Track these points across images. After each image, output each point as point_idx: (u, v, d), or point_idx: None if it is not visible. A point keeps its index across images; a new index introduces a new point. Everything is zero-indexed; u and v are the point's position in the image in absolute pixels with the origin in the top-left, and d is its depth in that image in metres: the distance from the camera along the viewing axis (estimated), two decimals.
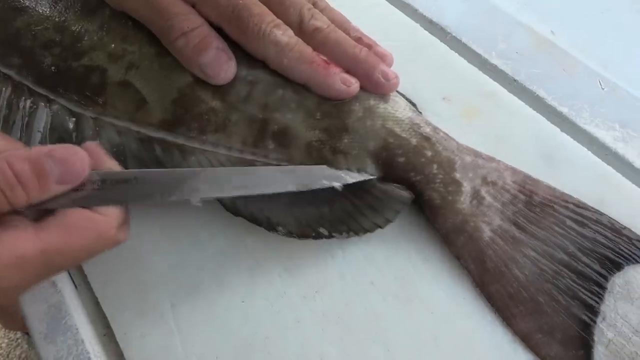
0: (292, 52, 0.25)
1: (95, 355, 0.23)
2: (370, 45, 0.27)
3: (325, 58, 0.25)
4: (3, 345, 0.96)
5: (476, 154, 0.26)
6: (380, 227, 0.24)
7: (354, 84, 0.25)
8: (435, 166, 0.25)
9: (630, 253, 0.24)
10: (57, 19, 0.27)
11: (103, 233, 0.20)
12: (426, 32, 0.35)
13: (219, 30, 0.26)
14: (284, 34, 0.25)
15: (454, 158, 0.25)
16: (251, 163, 0.25)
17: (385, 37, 0.34)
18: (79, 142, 0.26)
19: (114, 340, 0.24)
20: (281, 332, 0.24)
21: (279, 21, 0.25)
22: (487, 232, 0.24)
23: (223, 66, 0.25)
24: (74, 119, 0.26)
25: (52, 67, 0.26)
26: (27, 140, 0.26)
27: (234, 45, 0.26)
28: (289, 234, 0.24)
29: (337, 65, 0.25)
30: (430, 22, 0.35)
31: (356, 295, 0.25)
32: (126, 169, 0.25)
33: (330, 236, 0.24)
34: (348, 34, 0.27)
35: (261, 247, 0.25)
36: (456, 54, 0.33)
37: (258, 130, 0.25)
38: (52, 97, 0.27)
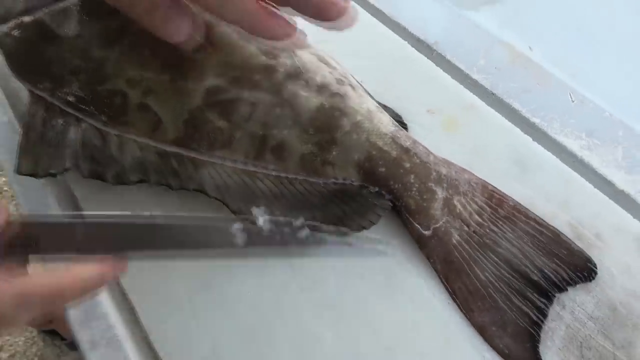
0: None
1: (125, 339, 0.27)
2: None
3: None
4: (20, 342, 1.00)
5: (450, 166, 0.29)
6: (366, 228, 0.28)
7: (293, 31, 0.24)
8: (412, 176, 0.28)
9: (575, 277, 0.27)
10: (82, 48, 0.31)
11: None
12: (413, 49, 0.38)
13: None
14: None
15: (430, 169, 0.29)
16: (253, 174, 0.29)
17: (373, 52, 0.38)
18: (106, 156, 0.30)
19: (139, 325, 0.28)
20: (283, 319, 0.28)
21: None
22: (455, 237, 0.28)
23: (174, 23, 0.25)
24: (100, 136, 0.30)
25: (80, 91, 0.30)
26: (61, 155, 0.30)
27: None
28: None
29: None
30: (418, 40, 0.39)
31: (348, 287, 0.28)
32: (149, 178, 0.29)
33: None
34: None
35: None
36: (440, 69, 0.37)
37: (259, 145, 0.29)
38: (80, 117, 0.31)
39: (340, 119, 0.29)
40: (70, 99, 0.31)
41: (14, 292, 0.20)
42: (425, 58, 0.38)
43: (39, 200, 0.32)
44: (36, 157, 0.30)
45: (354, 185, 0.29)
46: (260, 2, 0.24)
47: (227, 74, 0.29)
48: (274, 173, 0.29)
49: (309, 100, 0.29)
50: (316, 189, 0.29)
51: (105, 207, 0.32)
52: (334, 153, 0.29)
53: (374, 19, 0.41)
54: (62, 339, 0.99)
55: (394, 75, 0.36)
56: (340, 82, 0.31)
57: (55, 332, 0.99)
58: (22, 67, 0.32)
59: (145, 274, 0.29)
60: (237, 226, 0.23)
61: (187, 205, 0.31)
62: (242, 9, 0.24)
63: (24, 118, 0.31)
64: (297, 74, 0.30)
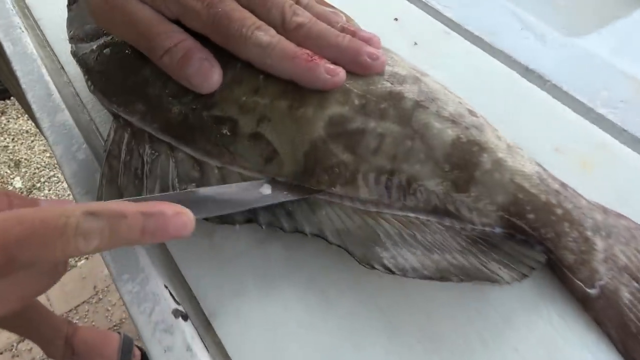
0: (275, 51, 0.25)
1: None
2: (354, 32, 0.27)
3: (308, 52, 0.26)
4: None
5: (605, 211, 0.25)
6: (517, 280, 0.23)
7: (340, 73, 0.25)
8: (566, 224, 0.24)
9: None
10: None
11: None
12: (524, 80, 0.35)
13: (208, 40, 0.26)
14: (266, 34, 0.25)
15: (585, 216, 0.25)
16: (377, 215, 0.25)
17: (477, 81, 0.34)
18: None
19: None
20: None
21: (260, 23, 0.26)
22: (625, 295, 0.23)
23: (207, 74, 0.26)
24: (198, 167, 0.27)
25: (180, 116, 0.27)
26: (150, 188, 0.27)
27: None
28: (425, 277, 0.23)
29: (321, 57, 0.26)
30: (527, 69, 0.35)
31: None
32: (257, 219, 0.26)
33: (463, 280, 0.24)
34: (332, 25, 0.27)
35: (395, 309, 0.25)
36: (559, 102, 0.33)
37: (385, 182, 0.25)
38: (175, 144, 0.27)
39: (480, 155, 0.25)
40: (166, 124, 0.27)
41: None
42: (539, 89, 0.34)
43: (121, 251, 0.28)
44: (121, 190, 0.27)
45: (497, 233, 0.25)
46: (303, 52, 0.25)
47: (351, 101, 0.26)
48: (401, 214, 0.25)
49: (443, 132, 0.25)
50: (451, 235, 0.25)
51: (203, 262, 0.27)
52: (472, 194, 0.25)
53: (474, 46, 0.37)
54: None
55: (505, 107, 0.33)
56: (472, 113, 0.27)
57: None
58: (108, 86, 0.29)
59: (254, 337, 0.25)
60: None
61: (296, 250, 0.27)
62: (285, 66, 0.25)
63: (107, 146, 0.28)
64: (426, 102, 0.26)
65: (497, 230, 0.25)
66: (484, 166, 0.25)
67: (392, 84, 0.27)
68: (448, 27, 0.39)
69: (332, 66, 0.26)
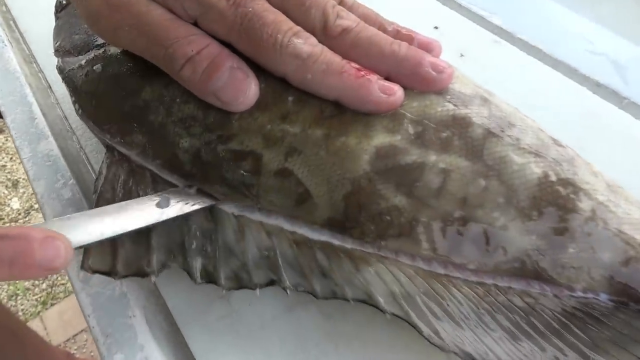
0: (317, 64, 0.20)
1: None
2: (410, 37, 0.22)
3: (357, 65, 0.20)
4: None
5: None
6: None
7: (397, 92, 0.20)
8: None
9: None
10: None
11: None
12: (597, 97, 0.29)
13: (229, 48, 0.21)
14: (306, 43, 0.20)
15: None
16: (445, 279, 0.19)
17: (541, 98, 0.29)
18: (220, 247, 0.21)
19: None
20: None
21: (297, 28, 0.20)
22: None
23: (240, 87, 0.20)
24: (211, 215, 0.21)
25: (189, 150, 0.21)
26: (154, 246, 0.21)
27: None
28: None
29: (372, 71, 0.20)
30: (598, 84, 0.30)
31: None
32: (282, 280, 0.20)
33: None
34: (383, 29, 0.22)
35: None
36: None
37: (454, 234, 0.19)
38: (183, 186, 0.22)
39: (576, 198, 0.19)
40: (172, 161, 0.22)
41: None
42: (615, 107, 0.29)
43: (114, 324, 0.22)
44: (113, 247, 0.21)
45: (603, 302, 0.19)
46: (352, 66, 0.20)
47: (404, 128, 0.20)
48: (474, 279, 0.19)
49: (526, 168, 0.20)
50: (543, 304, 0.19)
51: (218, 336, 0.22)
52: (569, 250, 0.19)
53: (530, 57, 0.32)
54: None
55: (582, 133, 0.27)
56: (556, 142, 0.21)
57: None
58: (100, 112, 0.24)
59: None
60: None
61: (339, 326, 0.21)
62: (330, 82, 0.20)
63: (98, 186, 0.22)
64: (500, 130, 0.21)
65: (603, 297, 0.19)
66: (583, 213, 0.19)
67: (455, 105, 0.21)
68: (497, 36, 0.33)
69: (387, 82, 0.20)
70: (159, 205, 0.20)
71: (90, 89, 0.24)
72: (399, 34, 0.22)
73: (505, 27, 0.34)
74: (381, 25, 0.22)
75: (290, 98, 0.21)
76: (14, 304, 1.06)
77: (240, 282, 0.20)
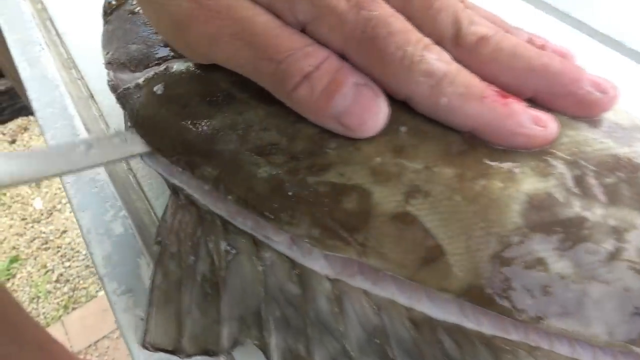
0: (454, 86, 0.16)
1: None
2: (544, 48, 0.18)
3: (497, 88, 0.16)
4: None
5: None
6: None
7: (550, 123, 0.16)
8: None
9: None
10: (282, 116, 0.18)
11: None
12: None
13: None
14: (440, 59, 0.16)
15: None
16: None
17: None
18: (308, 318, 0.17)
19: None
20: None
21: (427, 40, 0.16)
22: None
23: (369, 108, 0.16)
24: (297, 276, 0.17)
25: (270, 181, 0.17)
26: (226, 315, 0.17)
27: None
28: None
29: (514, 95, 0.16)
30: None
31: None
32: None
33: None
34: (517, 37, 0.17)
35: None
36: None
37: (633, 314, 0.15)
38: (263, 238, 0.17)
39: None
40: (247, 194, 0.17)
41: None
42: None
43: None
44: (181, 317, 0.17)
45: None
46: (492, 90, 0.16)
47: (558, 171, 0.16)
48: None
49: None
50: None
51: None
52: None
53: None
54: None
55: None
56: None
57: None
58: (163, 141, 0.20)
59: None
60: None
61: None
62: (469, 109, 0.16)
63: (161, 236, 0.18)
64: None
65: None
66: None
67: (615, 142, 0.17)
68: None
69: (536, 112, 0.16)
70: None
71: (149, 113, 0.20)
72: (532, 43, 0.18)
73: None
74: (510, 31, 0.18)
75: (402, 128, 0.17)
76: (35, 307, 1.04)
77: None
